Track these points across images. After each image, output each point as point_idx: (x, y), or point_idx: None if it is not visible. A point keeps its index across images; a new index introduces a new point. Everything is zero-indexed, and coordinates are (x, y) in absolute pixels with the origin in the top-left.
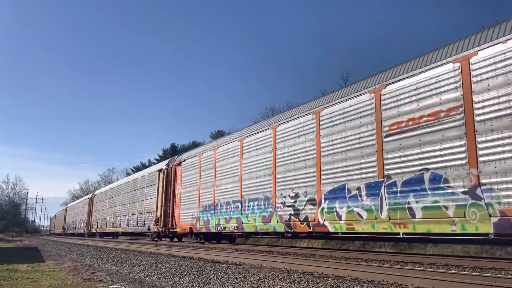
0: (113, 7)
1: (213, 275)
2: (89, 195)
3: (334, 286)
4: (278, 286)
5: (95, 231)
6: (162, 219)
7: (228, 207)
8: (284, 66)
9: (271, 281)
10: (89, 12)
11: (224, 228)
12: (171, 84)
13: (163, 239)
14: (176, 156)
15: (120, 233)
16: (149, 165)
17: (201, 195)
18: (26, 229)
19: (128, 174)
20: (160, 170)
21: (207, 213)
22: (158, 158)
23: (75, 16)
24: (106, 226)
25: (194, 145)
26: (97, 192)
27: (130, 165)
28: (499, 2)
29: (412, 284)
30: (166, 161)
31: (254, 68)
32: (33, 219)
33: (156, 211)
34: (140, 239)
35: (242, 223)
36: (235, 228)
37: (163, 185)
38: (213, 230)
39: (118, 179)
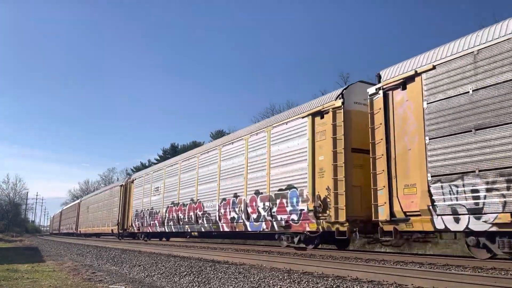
0: (112, 6)
1: (213, 275)
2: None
3: (334, 286)
4: (278, 286)
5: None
6: None
7: None
8: (284, 66)
9: (271, 281)
10: (87, 10)
11: None
12: (171, 84)
13: None
14: None
15: None
16: (149, 165)
17: None
18: (26, 229)
19: (128, 174)
20: None
21: None
22: (158, 158)
23: (74, 14)
24: None
25: (195, 145)
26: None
27: (130, 165)
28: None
29: (412, 284)
30: None
31: (254, 67)
32: (33, 219)
33: None
34: None
35: None
36: None
37: None
38: None
39: (118, 179)
